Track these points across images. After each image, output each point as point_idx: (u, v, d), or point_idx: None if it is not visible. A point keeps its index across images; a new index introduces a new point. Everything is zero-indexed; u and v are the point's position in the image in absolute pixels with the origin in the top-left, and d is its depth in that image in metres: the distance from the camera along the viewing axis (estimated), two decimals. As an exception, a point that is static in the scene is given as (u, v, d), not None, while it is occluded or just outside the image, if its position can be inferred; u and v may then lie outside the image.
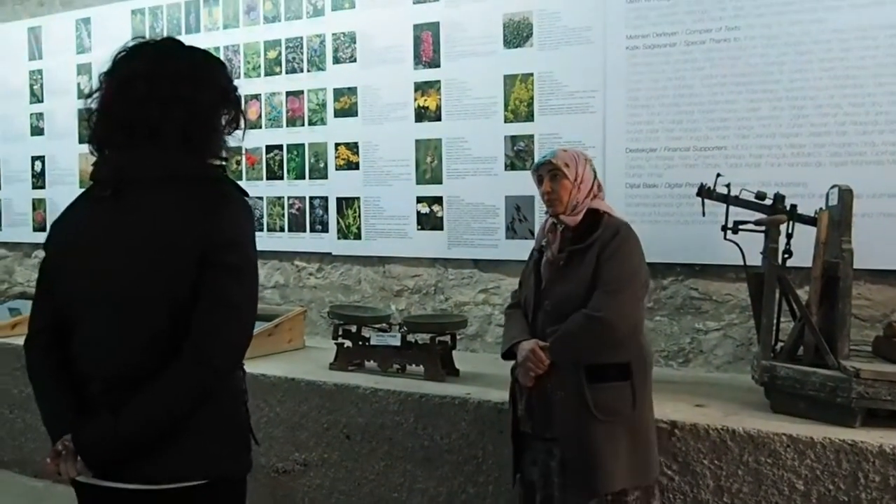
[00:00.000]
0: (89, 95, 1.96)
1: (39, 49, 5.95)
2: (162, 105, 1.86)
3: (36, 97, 5.96)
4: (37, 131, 5.96)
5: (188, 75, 1.91)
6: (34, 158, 5.99)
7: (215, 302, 1.83)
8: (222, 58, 4.83)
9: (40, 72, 5.93)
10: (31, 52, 5.99)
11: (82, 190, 2.04)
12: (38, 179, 5.97)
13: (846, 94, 3.44)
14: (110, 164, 1.92)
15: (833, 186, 2.98)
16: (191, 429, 1.86)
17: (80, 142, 5.61)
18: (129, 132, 1.87)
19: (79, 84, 5.70)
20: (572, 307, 2.64)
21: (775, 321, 3.07)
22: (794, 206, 3.09)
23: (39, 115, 5.95)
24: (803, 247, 3.03)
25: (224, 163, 2.01)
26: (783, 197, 3.09)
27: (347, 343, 3.87)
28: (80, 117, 5.45)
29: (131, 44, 1.96)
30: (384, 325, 3.88)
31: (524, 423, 2.78)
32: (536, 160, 2.93)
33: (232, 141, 2.04)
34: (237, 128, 2.03)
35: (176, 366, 1.81)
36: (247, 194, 1.98)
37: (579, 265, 2.67)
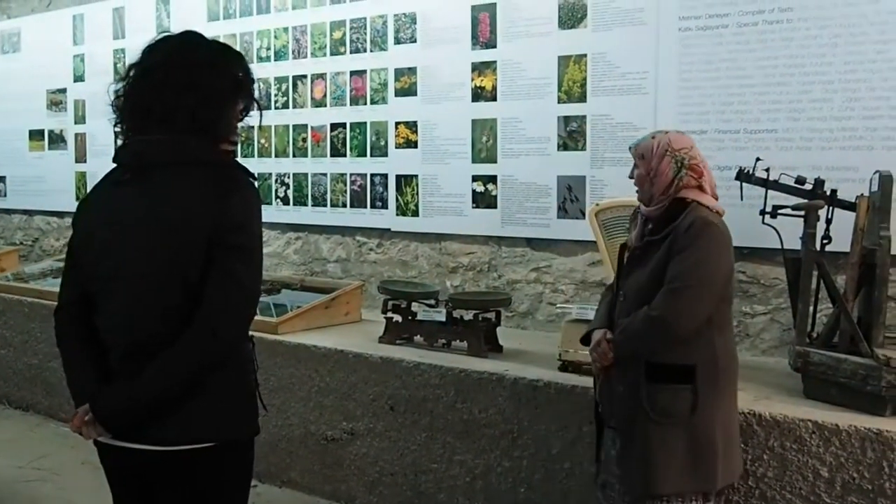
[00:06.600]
0: (119, 84, 2.11)
1: (123, 28, 6.22)
2: (175, 91, 1.99)
3: (119, 75, 6.20)
4: (120, 108, 6.21)
5: (203, 64, 2.04)
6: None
7: (224, 279, 1.96)
8: (290, 39, 5.02)
9: (123, 50, 6.20)
10: (116, 32, 6.27)
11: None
12: (121, 154, 6.23)
13: (900, 77, 3.36)
14: (130, 149, 2.07)
15: (875, 172, 2.93)
16: (201, 395, 2.00)
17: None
18: (144, 116, 2.02)
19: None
20: (643, 299, 2.54)
21: (813, 307, 3.05)
22: (834, 192, 3.05)
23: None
24: (845, 233, 2.99)
25: (234, 147, 2.14)
26: (823, 182, 3.06)
27: (396, 317, 3.99)
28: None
29: (158, 37, 2.11)
30: (431, 300, 3.98)
31: (600, 405, 2.75)
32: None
33: (251, 121, 2.19)
34: (248, 115, 2.16)
35: (187, 336, 1.95)
36: (255, 178, 2.11)
37: (653, 256, 2.57)
